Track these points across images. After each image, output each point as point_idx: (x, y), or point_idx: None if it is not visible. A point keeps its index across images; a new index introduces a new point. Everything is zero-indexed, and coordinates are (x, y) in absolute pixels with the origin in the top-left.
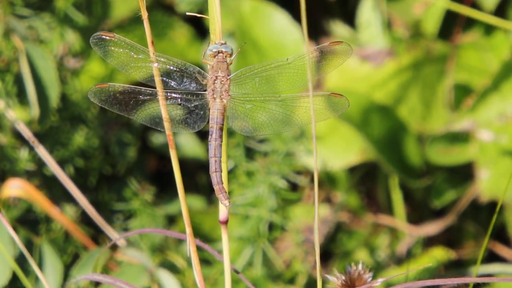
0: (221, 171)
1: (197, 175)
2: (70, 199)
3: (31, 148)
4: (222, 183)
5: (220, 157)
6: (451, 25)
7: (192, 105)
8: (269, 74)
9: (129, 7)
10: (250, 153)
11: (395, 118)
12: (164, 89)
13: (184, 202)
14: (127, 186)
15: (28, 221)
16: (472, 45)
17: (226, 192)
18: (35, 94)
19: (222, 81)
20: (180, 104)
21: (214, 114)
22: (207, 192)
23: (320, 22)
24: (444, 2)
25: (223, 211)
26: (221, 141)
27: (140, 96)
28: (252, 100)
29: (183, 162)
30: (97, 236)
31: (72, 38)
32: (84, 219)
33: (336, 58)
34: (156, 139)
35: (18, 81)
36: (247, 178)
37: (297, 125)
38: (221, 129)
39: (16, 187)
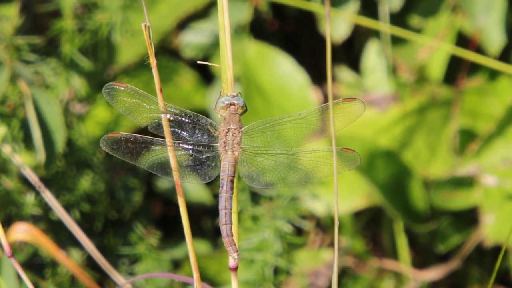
0: (231, 224)
1: (202, 219)
2: (76, 243)
3: (37, 193)
4: (232, 236)
5: (231, 209)
6: (456, 70)
7: (204, 156)
8: (281, 128)
9: (135, 53)
10: (255, 198)
11: (399, 163)
12: (176, 140)
13: (192, 248)
14: (133, 231)
15: (34, 265)
16: (477, 90)
17: (235, 245)
18: (41, 139)
19: (234, 133)
20: (191, 156)
21: (226, 166)
22: (212, 236)
23: (325, 66)
24: (449, 47)
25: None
26: (232, 193)
27: (152, 146)
28: (264, 153)
29: (188, 207)
30: (103, 280)
31: (78, 83)
32: (90, 264)
33: (349, 115)
34: (162, 184)
35: (24, 126)
36: (253, 223)
37: (308, 179)
38: (232, 181)
39: (22, 231)
